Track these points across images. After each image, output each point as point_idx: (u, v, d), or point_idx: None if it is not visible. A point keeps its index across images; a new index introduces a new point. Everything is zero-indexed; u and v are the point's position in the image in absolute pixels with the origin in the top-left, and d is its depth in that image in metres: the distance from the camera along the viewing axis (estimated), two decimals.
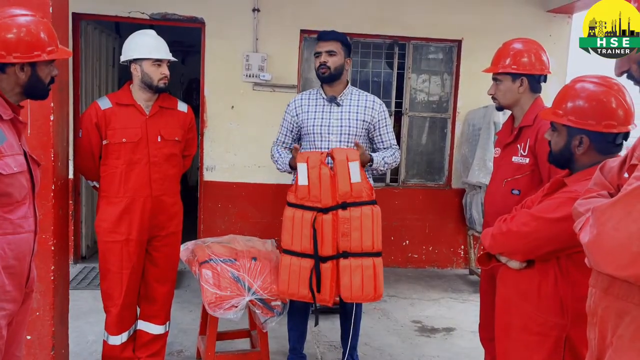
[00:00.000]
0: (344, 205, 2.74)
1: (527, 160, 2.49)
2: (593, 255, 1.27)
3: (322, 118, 3.03)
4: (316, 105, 3.08)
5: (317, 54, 3.03)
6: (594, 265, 1.29)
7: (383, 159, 3.02)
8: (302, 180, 2.78)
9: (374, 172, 3.08)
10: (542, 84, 2.62)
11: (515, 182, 2.52)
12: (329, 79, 3.02)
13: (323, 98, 3.08)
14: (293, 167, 2.97)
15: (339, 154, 2.79)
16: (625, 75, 1.43)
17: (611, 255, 1.21)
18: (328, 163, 2.84)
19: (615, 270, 1.22)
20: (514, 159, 2.56)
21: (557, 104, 1.89)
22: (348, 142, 3.00)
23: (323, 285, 2.76)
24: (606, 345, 1.34)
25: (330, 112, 3.04)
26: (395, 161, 3.09)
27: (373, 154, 2.99)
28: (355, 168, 2.75)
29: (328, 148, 2.94)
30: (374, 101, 3.08)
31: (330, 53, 2.98)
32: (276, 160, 3.12)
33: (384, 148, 3.11)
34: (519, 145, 2.55)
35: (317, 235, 2.73)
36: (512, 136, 2.60)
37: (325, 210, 2.75)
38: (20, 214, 1.88)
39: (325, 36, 3.04)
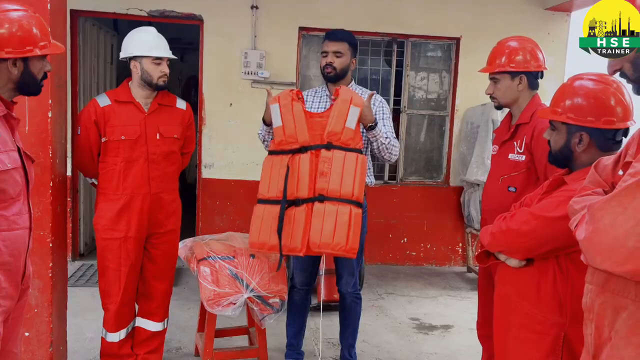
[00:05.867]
0: (329, 146, 2.62)
1: (524, 157, 2.50)
2: (589, 251, 1.28)
3: None
4: (319, 102, 3.09)
5: (325, 54, 3.00)
6: (590, 261, 1.29)
7: (385, 132, 2.90)
8: (276, 121, 2.71)
9: (376, 144, 2.88)
10: (539, 81, 2.63)
11: (512, 179, 2.53)
12: (334, 78, 3.01)
13: (327, 95, 3.08)
14: (267, 123, 2.87)
15: (345, 93, 2.72)
16: (618, 73, 1.43)
17: (607, 251, 1.22)
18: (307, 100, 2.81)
19: (611, 266, 1.22)
20: (511, 156, 2.56)
21: (555, 102, 1.89)
22: None
23: (295, 231, 2.54)
24: (603, 341, 1.34)
25: None
26: (395, 146, 2.93)
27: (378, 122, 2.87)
28: (354, 113, 2.65)
29: (331, 100, 2.87)
30: (374, 97, 3.08)
31: (337, 54, 2.96)
32: (259, 133, 3.00)
33: None
34: (515, 143, 2.56)
35: (292, 175, 2.58)
36: (509, 133, 2.60)
37: (303, 150, 2.64)
38: (15, 211, 1.87)
39: (333, 36, 3.01)
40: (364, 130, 2.83)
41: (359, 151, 2.65)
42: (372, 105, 2.99)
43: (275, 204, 2.61)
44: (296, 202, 2.58)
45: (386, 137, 2.87)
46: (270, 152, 2.75)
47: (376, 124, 2.81)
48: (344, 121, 2.65)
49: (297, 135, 2.66)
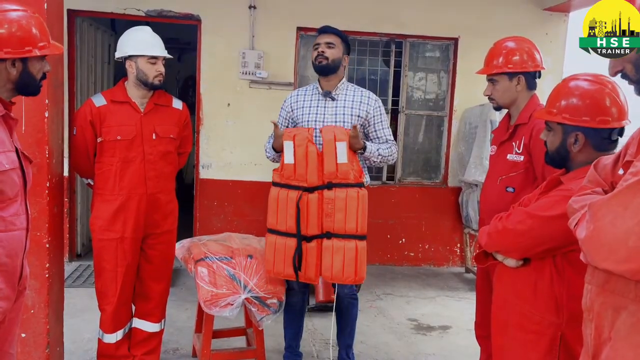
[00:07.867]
0: (330, 186, 2.76)
1: (522, 158, 2.49)
2: (589, 250, 1.27)
3: (317, 113, 3.03)
4: (311, 100, 3.08)
5: (317, 45, 3.03)
6: (590, 260, 1.29)
7: (377, 149, 2.97)
8: (289, 158, 2.79)
9: (369, 162, 3.02)
10: (537, 81, 2.63)
11: (510, 179, 2.53)
12: (325, 69, 3.01)
13: (319, 93, 3.07)
14: (277, 150, 2.97)
15: (327, 133, 2.79)
16: (619, 75, 1.43)
17: (608, 250, 1.22)
18: (317, 142, 2.85)
19: (611, 265, 1.22)
20: (509, 156, 2.56)
21: (550, 102, 1.89)
22: None
23: (308, 264, 2.78)
24: (603, 341, 1.34)
25: (325, 107, 3.04)
26: (391, 155, 3.05)
27: (367, 143, 2.94)
28: (342, 148, 2.74)
29: (322, 143, 2.92)
30: (368, 97, 3.07)
31: (329, 45, 2.99)
32: (266, 149, 3.11)
33: (380, 144, 3.09)
34: (513, 143, 2.55)
35: (302, 215, 2.75)
36: (508, 134, 2.60)
37: (311, 190, 2.76)
38: (12, 212, 1.86)
39: (325, 29, 3.06)
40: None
41: (360, 185, 2.75)
42: (368, 107, 3.01)
43: (286, 236, 2.79)
44: (307, 238, 2.77)
45: (378, 155, 2.98)
46: (276, 184, 2.86)
47: (365, 148, 2.89)
48: (334, 159, 2.75)
49: (307, 176, 2.77)
